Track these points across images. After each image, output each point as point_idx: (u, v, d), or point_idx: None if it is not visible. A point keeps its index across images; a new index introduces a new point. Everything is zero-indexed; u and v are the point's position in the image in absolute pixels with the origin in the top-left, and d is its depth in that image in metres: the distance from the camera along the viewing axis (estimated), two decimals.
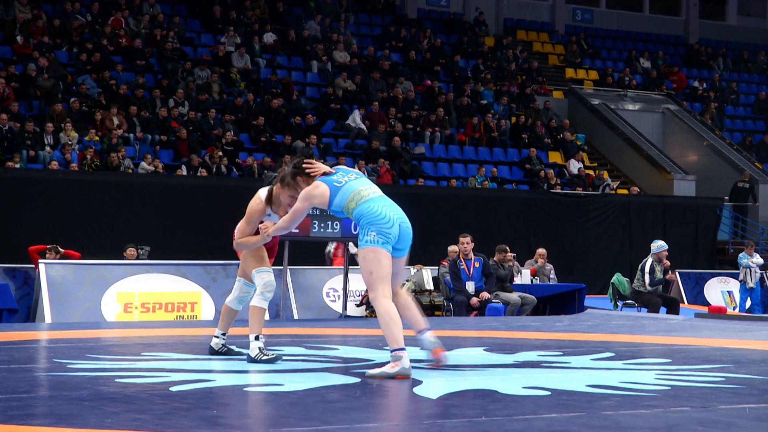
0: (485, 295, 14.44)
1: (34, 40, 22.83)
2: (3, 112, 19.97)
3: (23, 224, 17.05)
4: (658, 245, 16.06)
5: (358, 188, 6.89)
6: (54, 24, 23.83)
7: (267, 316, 7.57)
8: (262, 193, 7.61)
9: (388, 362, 6.67)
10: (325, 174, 6.99)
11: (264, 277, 7.58)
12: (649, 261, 15.97)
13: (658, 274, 15.94)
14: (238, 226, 7.64)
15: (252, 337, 7.45)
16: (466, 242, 14.54)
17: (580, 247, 21.95)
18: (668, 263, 16.13)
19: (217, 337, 7.86)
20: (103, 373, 6.75)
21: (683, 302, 18.84)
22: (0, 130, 19.62)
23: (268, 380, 6.46)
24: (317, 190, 6.90)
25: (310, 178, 7.00)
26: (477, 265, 14.60)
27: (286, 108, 23.74)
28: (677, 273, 19.40)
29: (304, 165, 7.08)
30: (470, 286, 14.56)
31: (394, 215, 6.85)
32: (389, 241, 6.78)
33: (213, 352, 7.81)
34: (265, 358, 7.36)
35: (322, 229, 13.24)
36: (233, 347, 7.91)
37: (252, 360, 7.37)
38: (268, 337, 7.66)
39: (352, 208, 6.82)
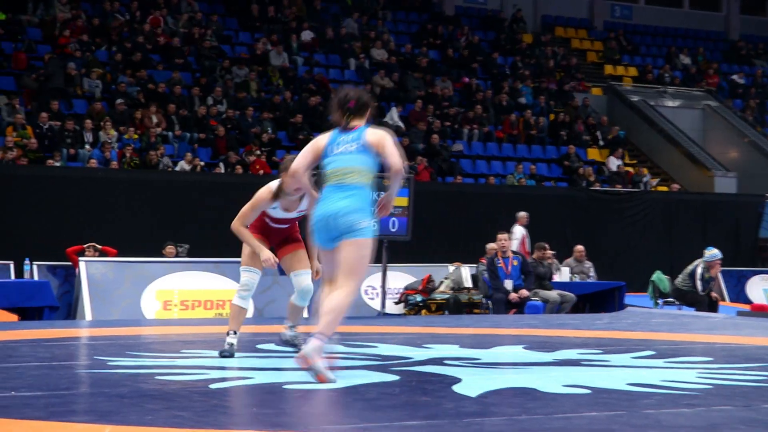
0: (524, 293, 14.40)
1: (74, 39, 22.99)
2: (44, 111, 20.13)
3: (63, 222, 17.17)
4: (712, 254, 15.66)
5: (334, 169, 6.54)
6: (93, 23, 23.99)
7: (249, 314, 7.75)
8: (273, 184, 7.66)
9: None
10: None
11: (246, 276, 7.70)
12: (699, 267, 15.64)
13: (708, 280, 15.73)
14: (243, 209, 7.69)
15: (229, 331, 7.64)
16: (504, 239, 14.51)
17: (619, 244, 21.81)
18: (718, 273, 15.80)
19: (288, 328, 7.94)
20: (143, 370, 6.79)
21: (724, 300, 18.68)
22: (41, 128, 19.77)
23: (307, 378, 6.46)
24: (317, 144, 6.64)
25: (340, 116, 6.65)
26: (515, 263, 14.55)
27: (324, 105, 23.76)
28: (719, 272, 19.23)
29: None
30: (508, 284, 14.52)
31: (320, 216, 6.46)
32: (317, 239, 6.59)
33: (283, 342, 7.94)
34: (224, 351, 7.53)
35: None
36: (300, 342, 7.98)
37: (221, 353, 7.55)
38: (306, 335, 7.67)
39: (320, 184, 6.66)
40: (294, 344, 7.91)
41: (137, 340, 9.73)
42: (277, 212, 7.73)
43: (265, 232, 7.79)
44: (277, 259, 7.65)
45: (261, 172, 19.51)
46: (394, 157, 6.45)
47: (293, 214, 7.75)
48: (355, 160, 6.51)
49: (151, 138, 20.42)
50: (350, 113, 6.62)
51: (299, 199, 7.67)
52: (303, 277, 7.86)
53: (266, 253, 7.58)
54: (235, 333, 7.64)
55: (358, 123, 6.62)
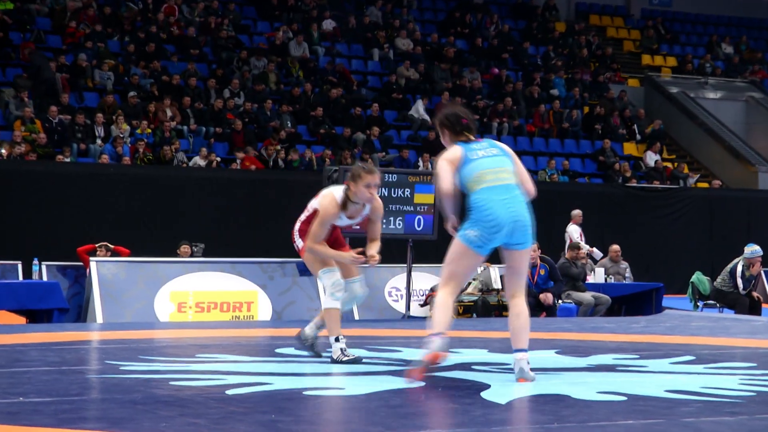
0: (548, 298, 14.31)
1: (85, 29, 23.09)
2: (53, 105, 20.24)
3: (74, 220, 17.26)
4: (753, 250, 15.68)
5: (485, 170, 6.82)
6: (105, 12, 24.10)
7: (356, 316, 7.79)
8: (336, 193, 7.67)
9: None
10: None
11: (331, 276, 7.71)
12: (740, 265, 15.64)
13: (749, 278, 15.69)
14: (312, 229, 7.64)
15: (332, 339, 7.65)
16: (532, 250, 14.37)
17: (657, 244, 21.74)
18: (759, 269, 15.82)
19: (338, 340, 7.84)
20: (156, 375, 6.81)
21: None
22: (50, 123, 19.87)
23: (328, 383, 6.48)
24: (453, 153, 6.89)
25: (456, 134, 6.98)
26: (542, 272, 14.49)
27: (346, 98, 23.79)
28: (762, 271, 19.14)
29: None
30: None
31: (507, 217, 6.70)
32: (487, 246, 6.75)
33: (303, 340, 8.02)
34: (346, 359, 7.54)
35: (384, 225, 13.23)
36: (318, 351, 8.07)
37: (334, 361, 7.57)
38: (327, 339, 7.70)
39: (470, 189, 6.80)
40: (311, 346, 7.97)
41: (150, 343, 9.77)
42: (342, 221, 7.79)
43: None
44: (349, 254, 7.64)
45: (253, 167, 19.47)
46: (526, 175, 7.03)
47: (356, 220, 7.81)
48: (502, 162, 6.92)
49: (165, 132, 20.50)
50: (467, 129, 7.01)
51: (363, 205, 7.73)
52: (359, 285, 7.93)
53: (350, 255, 7.65)
54: (338, 339, 7.63)
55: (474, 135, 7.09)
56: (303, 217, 7.93)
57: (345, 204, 7.67)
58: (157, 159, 19.82)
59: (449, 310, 6.76)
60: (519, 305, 6.90)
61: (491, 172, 6.82)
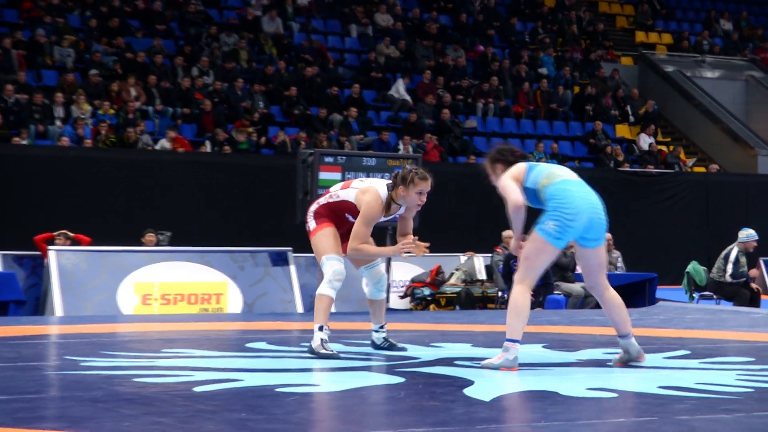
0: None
1: (43, 3, 22.98)
2: (9, 83, 20.13)
3: (31, 207, 17.19)
4: (748, 234, 15.92)
5: (555, 168, 7.40)
6: None
7: (333, 308, 7.81)
8: (380, 189, 7.76)
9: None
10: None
11: (334, 264, 7.78)
12: (734, 250, 15.83)
13: (743, 266, 15.83)
14: (356, 229, 7.70)
15: (316, 326, 7.71)
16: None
17: (651, 232, 21.82)
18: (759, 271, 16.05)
19: (376, 331, 8.17)
20: (119, 371, 6.81)
21: (767, 293, 18.68)
22: (5, 102, 19.78)
23: (302, 380, 6.48)
24: (516, 168, 7.32)
25: (509, 165, 7.38)
26: None
27: (322, 77, 23.75)
28: (761, 261, 19.24)
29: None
30: None
31: (587, 205, 7.22)
32: (565, 237, 7.10)
33: (375, 347, 8.16)
34: (324, 352, 7.59)
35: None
36: (398, 343, 8.21)
37: (311, 351, 7.62)
38: (302, 332, 7.71)
39: (545, 185, 7.19)
40: (389, 347, 8.09)
41: (113, 338, 9.75)
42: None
43: (337, 222, 7.85)
44: (396, 247, 7.74)
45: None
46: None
47: (389, 217, 7.85)
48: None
49: (129, 113, 20.42)
50: (521, 159, 7.54)
51: (400, 205, 7.83)
52: (378, 268, 8.09)
53: (396, 247, 7.74)
54: (322, 328, 7.69)
55: None
56: (323, 200, 7.96)
57: (389, 205, 7.74)
58: (121, 141, 19.74)
59: (527, 315, 7.11)
60: (617, 296, 7.40)
61: (561, 169, 7.43)
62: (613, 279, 16.48)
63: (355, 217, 7.86)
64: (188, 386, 6.12)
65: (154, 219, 16.76)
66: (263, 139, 21.15)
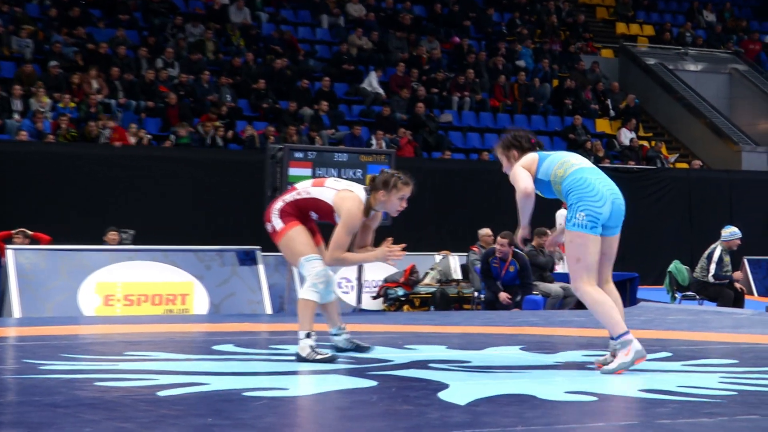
0: (505, 297, 14.33)
1: None
2: None
3: None
4: (731, 232, 15.99)
5: (566, 156, 7.37)
6: None
7: (314, 310, 7.73)
8: (360, 194, 7.70)
9: (617, 352, 7.09)
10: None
11: (315, 266, 7.68)
12: (718, 249, 15.90)
13: (727, 266, 15.90)
14: (336, 237, 7.59)
15: (302, 334, 7.62)
16: (503, 245, 14.32)
17: (631, 230, 21.62)
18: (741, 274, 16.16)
19: (336, 334, 8.08)
20: (80, 375, 6.79)
21: (753, 294, 18.79)
22: None
23: (270, 384, 6.47)
24: (527, 158, 7.33)
25: (525, 152, 7.40)
26: (512, 269, 14.51)
27: (292, 69, 23.73)
28: (746, 260, 19.34)
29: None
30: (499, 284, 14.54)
31: (607, 190, 7.23)
32: (598, 223, 7.12)
33: (340, 350, 8.04)
34: (319, 357, 7.53)
35: None
36: (361, 343, 8.17)
37: (303, 360, 7.53)
38: (270, 334, 7.69)
39: (560, 175, 7.20)
40: (356, 348, 8.05)
41: (74, 340, 9.72)
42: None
43: (300, 216, 7.77)
44: (380, 251, 7.65)
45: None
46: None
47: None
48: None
49: (91, 107, 20.35)
50: (537, 146, 7.56)
51: (377, 211, 7.80)
52: (330, 271, 7.96)
53: (380, 252, 7.65)
54: (309, 335, 7.61)
55: None
56: (289, 197, 7.81)
57: (367, 211, 7.68)
58: (82, 136, 19.67)
59: (612, 305, 7.12)
60: (615, 291, 7.36)
61: (573, 156, 7.41)
62: None
63: (320, 217, 7.81)
64: (152, 390, 6.11)
65: (116, 217, 16.71)
66: (230, 133, 21.11)
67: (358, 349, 8.09)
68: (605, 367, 7.09)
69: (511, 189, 7.44)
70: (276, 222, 7.77)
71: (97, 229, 15.61)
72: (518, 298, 14.47)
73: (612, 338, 7.25)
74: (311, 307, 7.67)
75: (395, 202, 7.67)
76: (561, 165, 7.25)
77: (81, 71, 21.36)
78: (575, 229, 7.10)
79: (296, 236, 7.72)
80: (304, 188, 7.82)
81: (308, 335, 7.59)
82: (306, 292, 7.69)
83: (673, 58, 30.25)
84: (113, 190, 17.99)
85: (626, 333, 7.03)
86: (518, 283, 14.52)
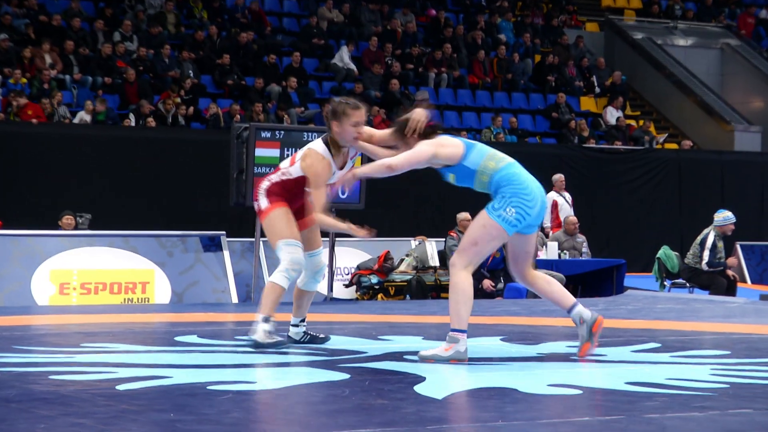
0: (489, 285, 14.37)
1: None
2: None
3: None
4: (724, 216, 15.99)
5: (492, 149, 7.46)
6: None
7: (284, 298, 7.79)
8: (318, 146, 7.73)
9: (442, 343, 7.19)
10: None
11: (292, 251, 7.74)
12: (711, 235, 15.91)
13: (720, 253, 15.93)
14: (313, 198, 7.64)
15: (260, 317, 7.68)
16: (466, 220, 14.41)
17: (618, 214, 21.95)
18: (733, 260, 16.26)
19: (296, 325, 8.13)
20: (34, 368, 6.77)
21: (746, 281, 18.87)
22: None
23: (236, 377, 6.47)
24: (450, 141, 7.38)
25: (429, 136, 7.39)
26: (498, 255, 14.52)
27: (258, 44, 23.67)
28: (738, 246, 19.42)
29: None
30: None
31: (538, 190, 7.37)
32: (521, 225, 7.25)
33: (293, 342, 8.08)
34: (270, 341, 7.61)
35: None
36: (319, 334, 8.21)
37: (257, 345, 7.60)
38: (236, 325, 7.70)
39: (491, 168, 7.30)
40: (310, 340, 8.07)
41: (27, 331, 9.68)
42: (335, 175, 7.76)
43: (288, 196, 7.78)
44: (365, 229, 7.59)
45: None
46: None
47: (345, 170, 7.76)
48: None
49: (44, 83, 20.25)
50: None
51: (347, 150, 7.80)
52: (321, 257, 8.07)
53: (348, 225, 7.59)
54: (267, 320, 7.66)
55: None
56: (275, 177, 7.88)
57: (332, 153, 7.69)
58: (35, 114, 19.58)
59: (472, 303, 7.36)
60: (543, 275, 7.71)
61: (497, 151, 7.47)
62: (577, 266, 16.72)
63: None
64: (111, 384, 6.10)
65: (72, 200, 16.65)
66: (191, 110, 21.01)
67: (313, 340, 8.12)
68: (422, 352, 7.29)
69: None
70: (262, 201, 7.88)
71: (52, 212, 15.56)
72: (501, 285, 14.50)
73: (569, 310, 7.48)
74: (277, 293, 7.73)
75: (350, 130, 7.65)
76: (491, 158, 7.35)
77: (33, 45, 21.25)
78: (497, 220, 7.22)
79: (278, 218, 7.79)
80: (286, 169, 7.89)
81: (266, 320, 7.66)
82: (277, 276, 7.75)
83: (661, 32, 30.30)
84: (69, 171, 17.93)
85: (462, 332, 7.16)
86: (502, 267, 14.56)
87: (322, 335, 8.21)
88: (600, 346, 7.57)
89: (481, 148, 7.41)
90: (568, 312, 7.49)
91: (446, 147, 7.32)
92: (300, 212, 7.91)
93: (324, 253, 8.20)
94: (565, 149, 22.76)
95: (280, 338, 7.69)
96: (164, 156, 18.56)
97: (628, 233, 21.75)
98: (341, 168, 7.80)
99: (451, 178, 7.40)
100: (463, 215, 15.80)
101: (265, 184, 7.91)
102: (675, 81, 28.43)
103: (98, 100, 20.29)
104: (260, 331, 7.63)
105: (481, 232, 7.25)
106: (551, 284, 7.59)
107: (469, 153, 7.32)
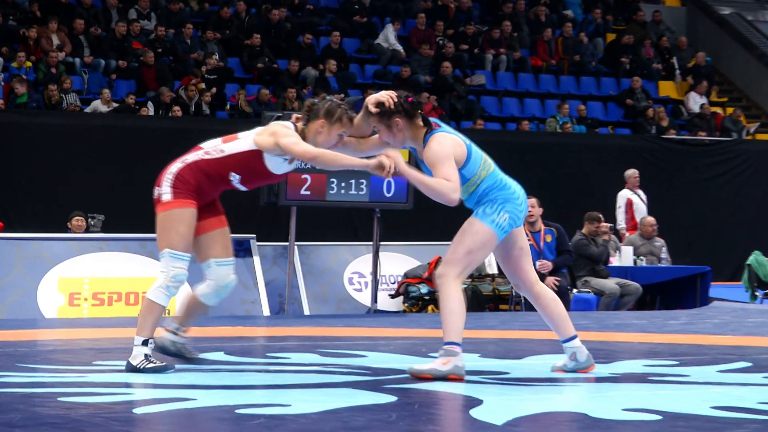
0: (552, 280, 14.37)
1: None
2: None
3: None
4: None
5: (481, 152, 7.63)
6: None
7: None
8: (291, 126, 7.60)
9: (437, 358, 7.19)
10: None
11: (177, 266, 7.68)
12: None
13: None
14: (299, 144, 7.41)
15: (139, 340, 7.53)
16: (533, 205, 14.42)
17: (702, 214, 21.86)
18: None
19: (174, 332, 7.95)
20: (41, 389, 6.81)
21: None
22: None
23: (268, 399, 6.49)
24: (457, 140, 7.47)
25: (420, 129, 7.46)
26: (548, 239, 14.52)
27: (292, 22, 23.72)
28: None
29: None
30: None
31: (522, 193, 7.68)
32: (511, 228, 7.52)
33: (161, 350, 7.87)
34: (150, 366, 7.43)
35: (343, 191, 13.23)
36: (191, 351, 8.03)
37: (134, 370, 7.44)
38: (268, 340, 7.70)
39: (483, 177, 7.52)
40: (177, 353, 7.89)
41: (33, 347, 9.74)
42: (281, 166, 7.60)
43: (205, 187, 7.70)
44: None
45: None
46: None
47: (291, 167, 7.68)
48: None
49: (51, 67, 20.38)
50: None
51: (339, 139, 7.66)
52: (228, 269, 7.92)
53: (375, 160, 7.38)
54: (147, 342, 7.53)
55: None
56: (191, 158, 7.74)
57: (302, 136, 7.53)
58: (41, 102, 19.72)
59: (464, 314, 7.41)
60: (549, 291, 7.73)
61: (483, 152, 7.68)
62: (656, 273, 16.66)
63: (243, 177, 7.65)
64: (127, 407, 6.13)
65: (83, 199, 16.73)
66: (210, 96, 21.02)
67: (181, 354, 7.89)
68: (415, 366, 7.40)
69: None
70: (165, 189, 7.78)
71: (60, 214, 15.64)
72: (572, 290, 14.48)
73: (565, 340, 7.64)
74: (157, 312, 7.59)
75: (333, 137, 7.52)
76: (484, 165, 7.55)
77: (39, 24, 21.39)
78: (491, 226, 7.42)
79: (178, 220, 7.71)
80: (215, 146, 7.69)
81: (145, 342, 7.51)
82: (156, 293, 7.63)
83: (752, 6, 30.17)
84: (79, 167, 18.01)
85: (458, 345, 7.28)
86: (564, 271, 14.53)
87: (196, 353, 8.00)
88: (683, 365, 7.54)
89: (476, 152, 7.57)
90: (564, 342, 7.62)
91: (460, 147, 7.45)
92: (213, 208, 7.81)
93: (232, 267, 7.98)
94: (641, 141, 22.67)
95: (161, 363, 7.50)
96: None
97: (713, 236, 21.65)
98: (290, 162, 7.61)
99: None
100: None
101: (175, 167, 7.73)
102: (767, 63, 28.29)
103: (187, 89, 20.43)
104: (139, 356, 7.48)
105: (473, 239, 7.43)
106: (558, 304, 7.68)
107: (469, 159, 7.49)
